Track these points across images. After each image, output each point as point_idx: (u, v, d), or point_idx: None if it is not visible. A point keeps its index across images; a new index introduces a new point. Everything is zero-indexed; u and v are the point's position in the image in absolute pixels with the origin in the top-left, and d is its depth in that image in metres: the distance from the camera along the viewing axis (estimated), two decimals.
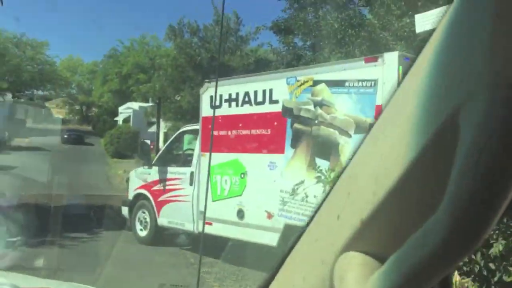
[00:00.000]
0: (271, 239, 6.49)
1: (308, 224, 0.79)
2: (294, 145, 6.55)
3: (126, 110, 35.90)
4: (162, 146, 19.43)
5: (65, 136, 35.62)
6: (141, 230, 9.24)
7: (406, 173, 0.52)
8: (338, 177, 0.71)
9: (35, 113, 49.63)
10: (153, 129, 28.17)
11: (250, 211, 7.08)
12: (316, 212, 0.76)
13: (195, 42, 18.31)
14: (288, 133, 6.63)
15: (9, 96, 39.99)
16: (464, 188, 0.44)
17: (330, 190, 0.73)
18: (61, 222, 10.09)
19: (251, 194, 7.09)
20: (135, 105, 34.37)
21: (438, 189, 0.48)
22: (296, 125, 6.53)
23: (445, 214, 0.46)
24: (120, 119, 37.11)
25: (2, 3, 10.49)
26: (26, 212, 8.70)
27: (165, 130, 22.26)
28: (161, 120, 21.92)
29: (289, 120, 6.63)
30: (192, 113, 17.51)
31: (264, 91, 7.03)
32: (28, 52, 44.48)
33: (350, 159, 0.67)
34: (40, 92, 53.76)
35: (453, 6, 0.49)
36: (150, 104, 22.49)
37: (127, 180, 10.34)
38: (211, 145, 7.39)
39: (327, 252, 0.67)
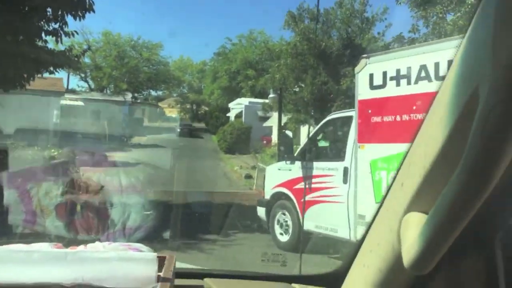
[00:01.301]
0: None
1: (383, 200, 1.03)
2: None
3: (237, 106, 35.79)
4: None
5: (178, 130, 36.72)
6: (281, 234, 8.07)
7: (442, 146, 0.73)
8: (406, 153, 0.90)
9: (151, 112, 51.98)
10: (268, 123, 27.35)
11: None
12: (390, 187, 0.98)
13: (317, 28, 16.98)
14: None
15: (128, 96, 41.92)
16: (476, 142, 0.62)
17: (400, 165, 0.93)
18: (190, 220, 9.41)
19: None
20: (245, 100, 34.05)
21: (461, 150, 0.66)
22: None
23: (463, 166, 0.65)
24: (232, 115, 37.13)
25: None
26: (155, 209, 8.09)
27: (282, 124, 21.21)
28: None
29: None
30: (314, 104, 16.21)
31: (450, 62, 5.43)
32: (144, 54, 46.21)
33: (413, 140, 0.86)
34: (153, 93, 56.00)
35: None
36: (272, 95, 21.44)
37: (264, 177, 9.24)
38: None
39: (394, 220, 0.90)
